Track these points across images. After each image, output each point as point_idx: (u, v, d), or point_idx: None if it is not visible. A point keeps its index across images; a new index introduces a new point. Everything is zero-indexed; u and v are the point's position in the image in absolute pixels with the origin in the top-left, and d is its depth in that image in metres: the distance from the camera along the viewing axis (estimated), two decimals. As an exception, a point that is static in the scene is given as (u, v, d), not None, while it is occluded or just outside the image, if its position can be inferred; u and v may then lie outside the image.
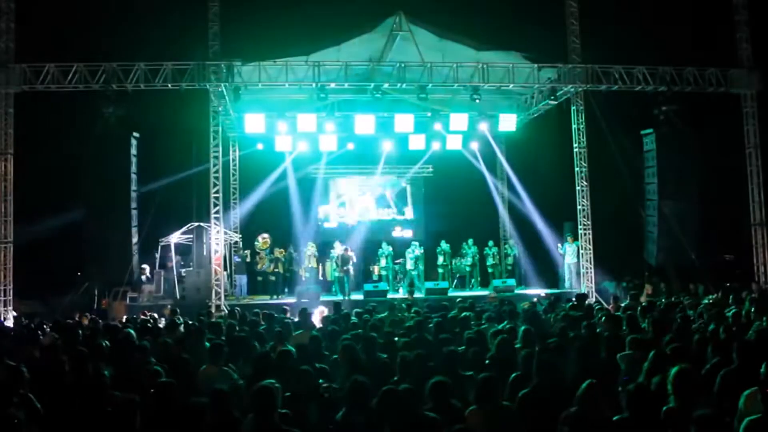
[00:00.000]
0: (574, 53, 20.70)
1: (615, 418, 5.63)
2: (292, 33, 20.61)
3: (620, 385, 6.84)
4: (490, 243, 25.75)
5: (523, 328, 9.43)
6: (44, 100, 19.73)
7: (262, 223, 24.97)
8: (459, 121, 22.99)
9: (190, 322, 13.28)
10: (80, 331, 11.25)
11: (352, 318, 12.53)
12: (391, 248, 25.14)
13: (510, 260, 25.74)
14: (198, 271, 21.00)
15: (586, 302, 15.56)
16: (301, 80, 20.02)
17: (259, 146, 24.96)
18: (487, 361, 8.01)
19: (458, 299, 15.38)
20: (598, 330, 9.96)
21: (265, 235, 24.28)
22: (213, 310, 18.67)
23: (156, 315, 15.76)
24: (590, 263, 21.36)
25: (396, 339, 9.62)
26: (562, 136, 22.36)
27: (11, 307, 19.31)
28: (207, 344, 9.21)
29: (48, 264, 21.66)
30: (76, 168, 20.66)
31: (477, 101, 20.79)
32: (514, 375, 7.02)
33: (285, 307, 15.84)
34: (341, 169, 27.60)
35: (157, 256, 22.46)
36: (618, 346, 8.35)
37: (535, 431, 6.17)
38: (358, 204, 28.17)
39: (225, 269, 22.30)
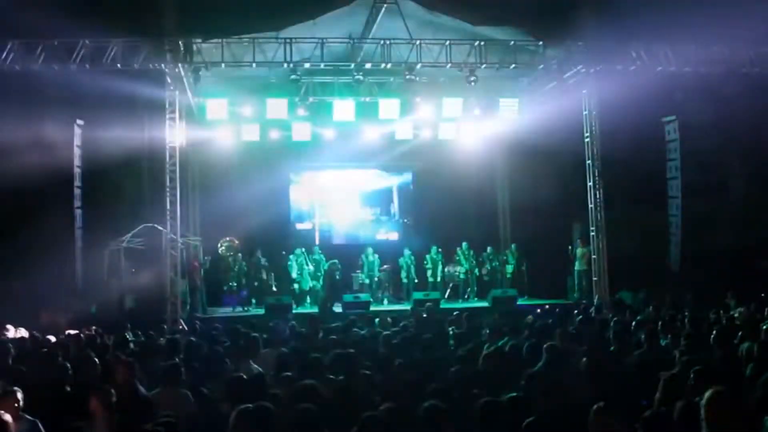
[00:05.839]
0: (585, 28, 20.64)
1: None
2: (261, 5, 20.47)
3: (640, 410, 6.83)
4: (489, 249, 25.73)
5: (526, 344, 9.46)
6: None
7: (225, 224, 24.75)
8: (453, 106, 22.95)
9: (143, 338, 13.25)
10: (10, 347, 11.14)
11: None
12: (376, 254, 25.00)
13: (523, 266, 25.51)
14: (150, 279, 20.76)
15: (599, 316, 15.60)
16: (270, 60, 19.93)
17: (223, 135, 24.65)
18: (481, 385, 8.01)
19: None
20: (612, 347, 9.98)
21: (230, 239, 24.15)
22: (168, 324, 18.47)
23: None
24: (604, 270, 21.27)
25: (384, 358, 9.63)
26: (570, 123, 22.31)
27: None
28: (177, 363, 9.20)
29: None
30: (8, 160, 20.45)
31: (473, 84, 20.75)
32: (515, 396, 6.99)
33: (252, 320, 15.80)
34: (317, 162, 27.29)
35: (105, 262, 22.32)
36: (638, 365, 8.36)
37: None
38: (337, 203, 28.02)
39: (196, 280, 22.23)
